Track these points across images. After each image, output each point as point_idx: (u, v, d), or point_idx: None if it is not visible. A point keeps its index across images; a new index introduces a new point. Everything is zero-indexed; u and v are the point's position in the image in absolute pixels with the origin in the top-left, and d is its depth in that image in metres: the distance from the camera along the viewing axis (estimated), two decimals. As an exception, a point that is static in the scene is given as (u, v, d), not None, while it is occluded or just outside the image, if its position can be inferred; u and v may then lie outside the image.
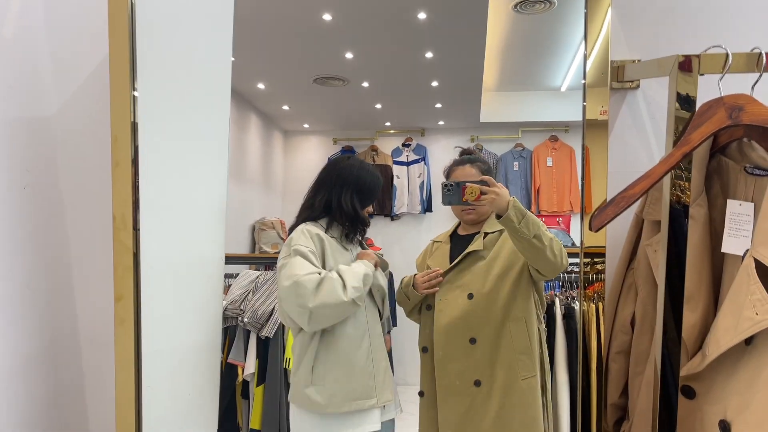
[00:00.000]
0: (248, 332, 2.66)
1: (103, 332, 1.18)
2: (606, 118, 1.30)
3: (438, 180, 5.22)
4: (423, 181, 5.17)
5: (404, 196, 5.20)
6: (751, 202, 0.97)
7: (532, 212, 1.43)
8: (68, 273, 1.37)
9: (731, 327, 0.93)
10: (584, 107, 1.15)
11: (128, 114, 1.05)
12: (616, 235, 1.29)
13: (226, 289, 3.21)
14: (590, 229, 1.03)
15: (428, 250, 1.83)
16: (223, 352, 3.06)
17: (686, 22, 1.28)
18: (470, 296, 1.59)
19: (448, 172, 1.77)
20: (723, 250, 1.01)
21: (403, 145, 5.26)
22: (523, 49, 3.70)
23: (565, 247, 1.35)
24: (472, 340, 1.58)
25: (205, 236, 1.57)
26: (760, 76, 0.97)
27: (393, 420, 1.85)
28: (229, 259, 4.10)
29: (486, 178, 1.45)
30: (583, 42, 1.17)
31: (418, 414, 1.82)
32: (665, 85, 1.05)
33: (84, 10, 1.33)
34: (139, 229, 1.08)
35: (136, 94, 1.05)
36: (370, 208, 1.90)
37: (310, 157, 5.48)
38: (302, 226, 1.69)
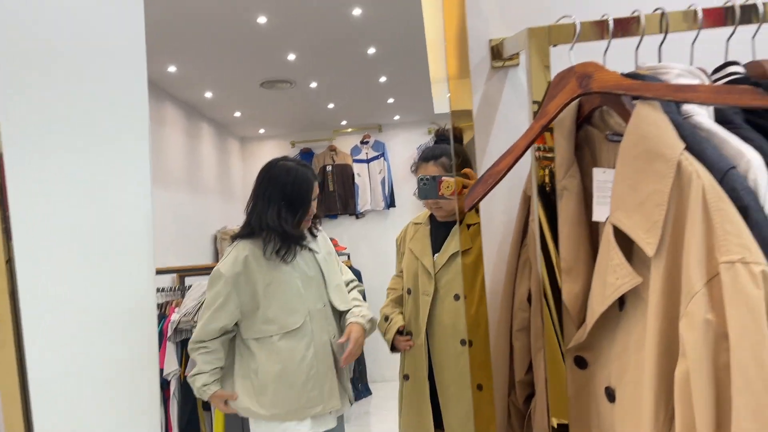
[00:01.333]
0: (203, 344, 2.62)
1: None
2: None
3: (399, 175, 5.22)
4: (384, 177, 5.17)
5: (367, 194, 5.19)
6: (613, 168, 0.97)
7: None
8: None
9: (600, 294, 0.94)
10: (449, 98, 1.15)
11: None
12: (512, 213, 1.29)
13: (180, 301, 3.18)
14: (463, 209, 1.02)
15: (407, 231, 1.82)
16: (181, 366, 3.04)
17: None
18: (456, 297, 1.57)
19: (416, 168, 1.76)
20: (593, 218, 1.01)
21: (362, 142, 5.25)
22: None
23: None
24: (463, 342, 1.56)
25: (118, 245, 1.49)
26: (609, 43, 0.97)
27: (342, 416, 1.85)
28: (189, 271, 4.01)
29: (466, 170, 1.41)
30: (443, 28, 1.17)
31: (395, 410, 1.81)
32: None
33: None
34: (11, 243, 1.05)
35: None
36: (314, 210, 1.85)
37: (269, 162, 5.45)
38: (234, 248, 1.70)
